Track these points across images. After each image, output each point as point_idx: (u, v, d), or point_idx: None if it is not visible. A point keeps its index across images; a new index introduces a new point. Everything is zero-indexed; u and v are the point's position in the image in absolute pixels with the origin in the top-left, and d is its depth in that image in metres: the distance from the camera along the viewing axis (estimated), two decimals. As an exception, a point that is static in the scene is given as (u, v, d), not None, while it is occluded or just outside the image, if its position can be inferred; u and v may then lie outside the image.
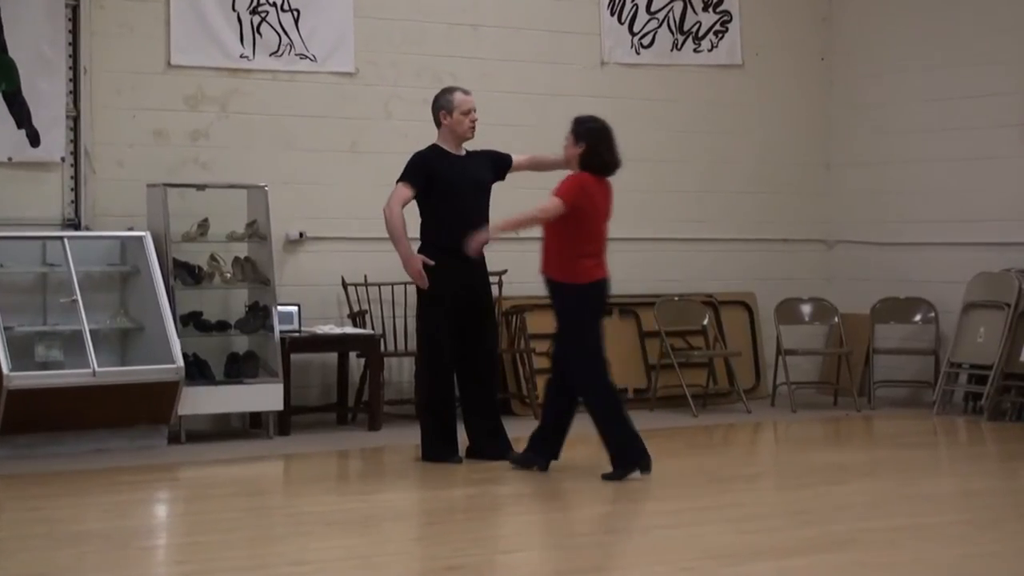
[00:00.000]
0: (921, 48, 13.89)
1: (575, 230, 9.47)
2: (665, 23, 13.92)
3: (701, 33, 14.10)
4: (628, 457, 9.39)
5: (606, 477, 9.34)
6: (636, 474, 9.35)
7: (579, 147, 9.60)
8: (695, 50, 14.08)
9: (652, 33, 13.87)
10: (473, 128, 10.37)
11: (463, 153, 10.39)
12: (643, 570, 7.11)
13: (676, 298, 13.47)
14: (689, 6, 14.00)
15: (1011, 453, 11.27)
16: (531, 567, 7.25)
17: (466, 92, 10.44)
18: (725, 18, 14.20)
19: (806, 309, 13.97)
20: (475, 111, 10.37)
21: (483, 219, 10.14)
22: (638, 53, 13.82)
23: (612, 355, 13.12)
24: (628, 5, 13.74)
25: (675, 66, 13.96)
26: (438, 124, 10.39)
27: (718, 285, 13.92)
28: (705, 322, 13.52)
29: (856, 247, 14.45)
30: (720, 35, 14.18)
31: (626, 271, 13.53)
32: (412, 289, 12.40)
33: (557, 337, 9.79)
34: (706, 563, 7.21)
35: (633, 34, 13.79)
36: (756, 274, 14.17)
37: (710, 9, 14.11)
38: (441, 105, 10.35)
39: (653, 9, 13.84)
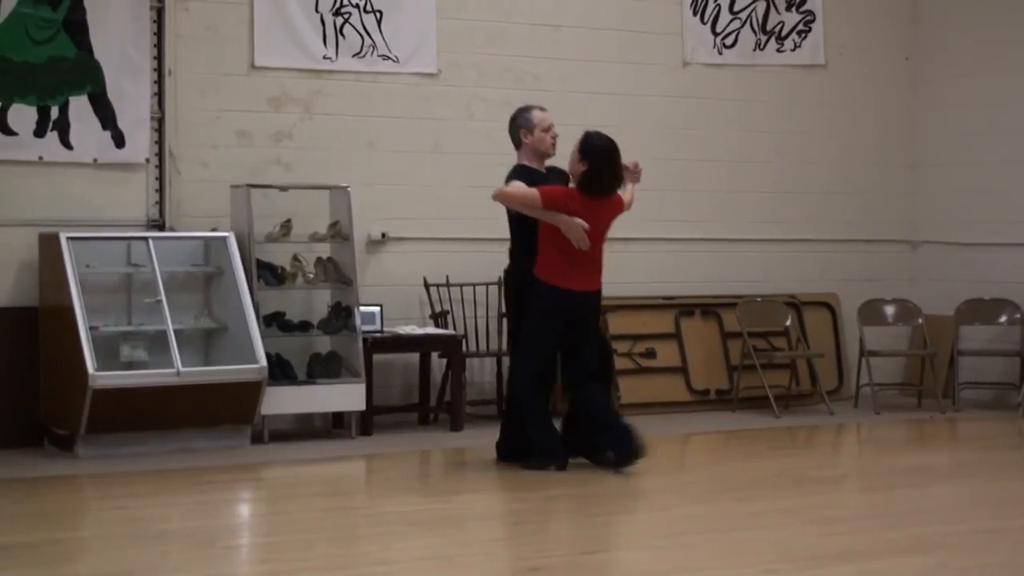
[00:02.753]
0: (1006, 49, 13.74)
1: (562, 239, 9.68)
2: (748, 23, 13.83)
3: (784, 33, 14.00)
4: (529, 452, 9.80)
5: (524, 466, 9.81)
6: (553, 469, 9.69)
7: (582, 165, 9.78)
8: (778, 50, 13.99)
9: (735, 33, 13.79)
10: (554, 144, 10.21)
11: (544, 171, 10.22)
12: (726, 572, 7.05)
13: (758, 299, 13.38)
14: (772, 6, 13.91)
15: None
16: (614, 568, 7.21)
17: (543, 109, 10.31)
18: (808, 18, 14.10)
19: (890, 310, 13.84)
20: (555, 127, 10.25)
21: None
22: (720, 53, 13.75)
23: (695, 356, 13.23)
24: (711, 5, 13.66)
25: (757, 66, 13.88)
26: (518, 144, 10.21)
27: (801, 286, 13.81)
28: (788, 323, 13.42)
29: (940, 248, 14.30)
30: (803, 35, 14.08)
31: (708, 272, 13.51)
32: (493, 290, 12.45)
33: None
34: (788, 565, 7.14)
35: (715, 34, 13.72)
36: (839, 275, 14.05)
37: (793, 9, 14.02)
38: (520, 124, 10.20)
39: (736, 9, 13.76)
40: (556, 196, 9.71)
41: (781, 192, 13.91)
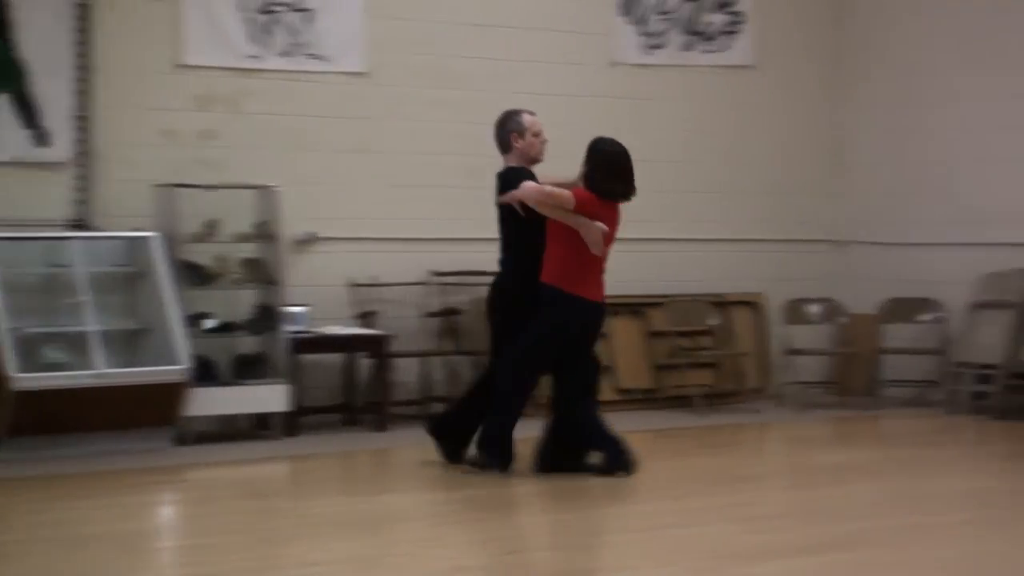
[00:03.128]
0: (933, 51, 13.85)
1: (580, 244, 9.39)
2: (676, 24, 13.87)
3: (713, 34, 14.05)
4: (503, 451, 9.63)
5: (470, 461, 9.76)
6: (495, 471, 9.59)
7: (584, 166, 9.62)
8: (707, 51, 14.03)
9: (663, 34, 13.82)
10: (543, 150, 9.97)
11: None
12: (652, 571, 7.06)
13: (683, 298, 13.43)
14: (701, 7, 13.95)
15: (1018, 452, 11.22)
16: (539, 568, 7.21)
17: (531, 113, 10.02)
18: (737, 19, 14.15)
19: (814, 309, 13.93)
20: (544, 132, 9.98)
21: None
22: (649, 53, 13.78)
23: (622, 355, 13.24)
24: (639, 6, 13.69)
25: (686, 67, 13.92)
26: (507, 148, 9.91)
27: (726, 285, 13.87)
28: (713, 322, 13.48)
29: (864, 247, 14.40)
30: (732, 36, 14.13)
31: (635, 272, 13.51)
32: (420, 290, 12.44)
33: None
34: (714, 563, 7.16)
35: (644, 35, 13.75)
36: (764, 274, 14.12)
37: (722, 10, 14.07)
38: (511, 128, 9.90)
39: (665, 9, 13.79)
40: (583, 199, 9.41)
41: (707, 192, 13.96)
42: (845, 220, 14.56)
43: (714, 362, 13.44)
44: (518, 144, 9.85)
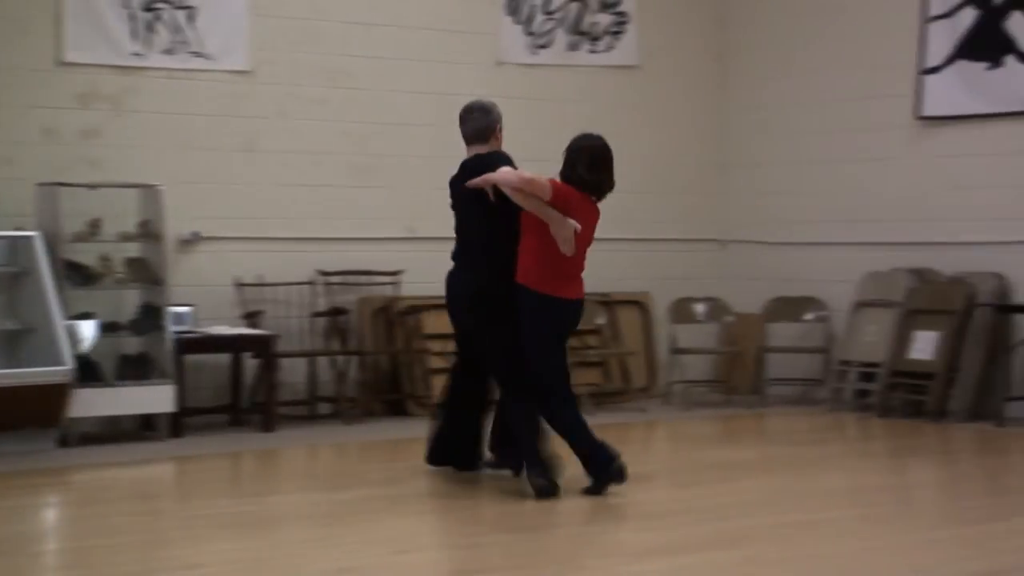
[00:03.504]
0: (809, 52, 14.00)
1: (553, 240, 8.81)
2: (562, 23, 13.92)
3: (598, 34, 14.12)
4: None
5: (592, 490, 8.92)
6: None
7: (565, 164, 9.02)
8: (591, 51, 14.09)
9: (549, 33, 13.86)
10: None
11: None
12: (536, 570, 7.07)
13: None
14: (586, 7, 14.02)
15: (900, 449, 11.37)
16: (425, 568, 7.19)
17: None
18: (622, 19, 14.22)
19: (699, 308, 14.02)
20: None
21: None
22: (535, 53, 13.81)
23: (508, 355, 13.24)
24: (525, 5, 13.72)
25: (572, 66, 13.97)
26: (485, 138, 9.20)
27: (613, 285, 13.91)
28: (600, 322, 13.53)
29: (749, 247, 14.53)
30: (617, 36, 14.21)
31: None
32: (307, 290, 12.39)
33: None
34: (601, 561, 7.19)
35: (529, 34, 13.78)
36: (651, 274, 14.19)
37: (607, 10, 14.14)
38: (497, 117, 9.24)
39: (550, 9, 13.84)
40: (562, 190, 8.82)
41: (594, 192, 13.99)
42: (730, 220, 14.68)
43: (601, 361, 13.49)
44: (499, 135, 9.24)
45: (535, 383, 8.93)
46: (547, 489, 8.76)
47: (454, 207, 9.29)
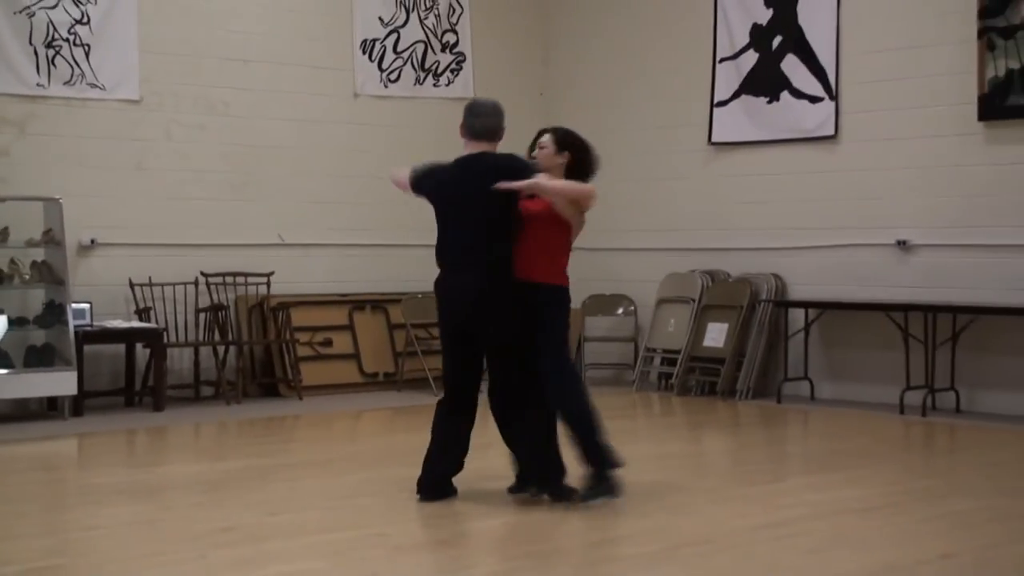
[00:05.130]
0: (623, 87, 14.13)
1: (569, 235, 7.69)
2: (409, 61, 13.90)
3: (440, 70, 14.12)
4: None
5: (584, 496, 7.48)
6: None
7: (561, 157, 7.74)
8: (435, 85, 14.09)
9: (398, 70, 13.84)
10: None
11: None
12: (396, 526, 7.03)
13: (419, 295, 13.43)
14: (429, 47, 14.02)
15: (696, 423, 11.50)
16: (297, 526, 7.12)
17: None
18: (460, 58, 14.25)
19: (528, 304, 14.04)
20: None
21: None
22: (386, 87, 13.77)
23: (366, 344, 13.21)
24: (377, 46, 13.69)
25: (418, 98, 13.95)
26: (495, 137, 7.80)
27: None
28: (444, 315, 13.50)
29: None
30: (456, 72, 14.22)
31: (376, 272, 13.52)
32: (191, 288, 12.23)
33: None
34: (449, 520, 7.16)
35: (382, 70, 13.74)
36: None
37: (447, 50, 14.15)
38: (503, 121, 7.91)
39: (399, 49, 13.81)
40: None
41: (426, 203, 13.97)
42: (553, 229, 14.74)
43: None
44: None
45: (555, 396, 7.48)
46: (619, 484, 7.51)
47: (445, 209, 7.74)
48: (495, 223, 7.46)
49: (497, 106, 7.85)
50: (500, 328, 7.43)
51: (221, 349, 12.29)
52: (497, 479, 7.89)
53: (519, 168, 7.53)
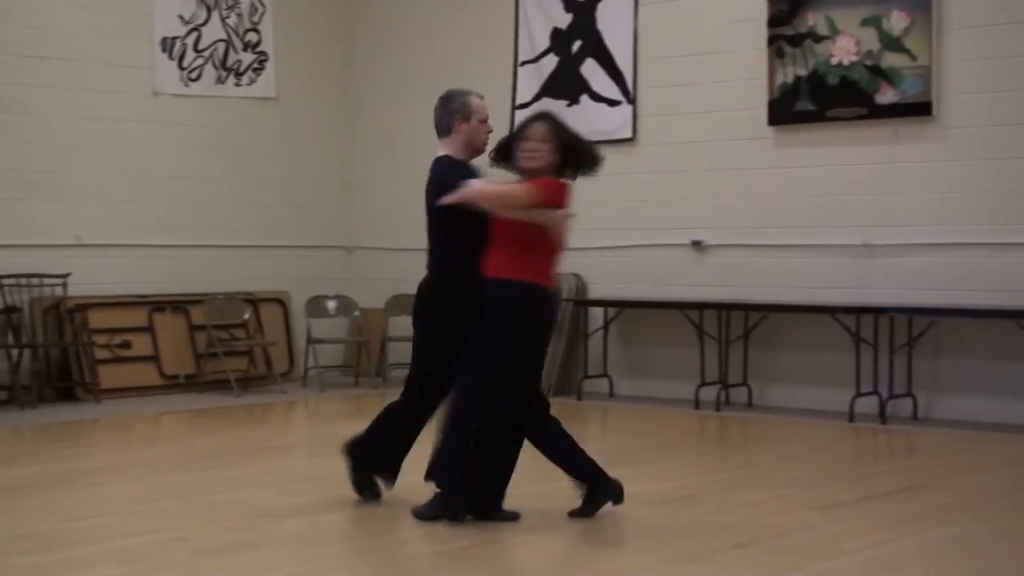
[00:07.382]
0: (425, 88, 13.95)
1: (534, 230, 6.94)
2: (210, 60, 13.73)
3: (242, 70, 13.98)
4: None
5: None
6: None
7: (556, 154, 7.05)
8: (236, 84, 13.94)
9: (199, 68, 13.65)
10: (487, 141, 7.34)
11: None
12: (199, 529, 6.95)
13: (220, 296, 13.30)
14: (231, 47, 13.86)
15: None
16: (99, 531, 6.98)
17: (480, 96, 7.37)
18: (262, 58, 14.12)
19: (331, 304, 14.04)
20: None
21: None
22: (187, 85, 13.57)
23: (166, 346, 13.01)
24: (178, 44, 13.48)
25: (219, 97, 13.79)
26: (446, 131, 7.23)
27: (257, 284, 13.83)
28: (246, 316, 13.41)
29: (372, 252, 14.64)
30: (258, 72, 14.09)
31: (177, 272, 13.32)
32: (-16, 290, 11.87)
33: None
34: (248, 522, 7.12)
35: (182, 68, 13.54)
36: (289, 275, 14.15)
37: (249, 49, 14.01)
38: (456, 109, 7.22)
39: (200, 48, 13.63)
40: (543, 189, 6.91)
41: (238, 204, 13.88)
42: (355, 229, 14.76)
43: (247, 351, 13.37)
44: (461, 128, 7.20)
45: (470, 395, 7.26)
46: (620, 488, 7.24)
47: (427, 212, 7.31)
48: (440, 231, 7.19)
49: (444, 96, 7.35)
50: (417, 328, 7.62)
51: (15, 352, 11.96)
52: (313, 480, 7.85)
53: (444, 178, 7.08)
